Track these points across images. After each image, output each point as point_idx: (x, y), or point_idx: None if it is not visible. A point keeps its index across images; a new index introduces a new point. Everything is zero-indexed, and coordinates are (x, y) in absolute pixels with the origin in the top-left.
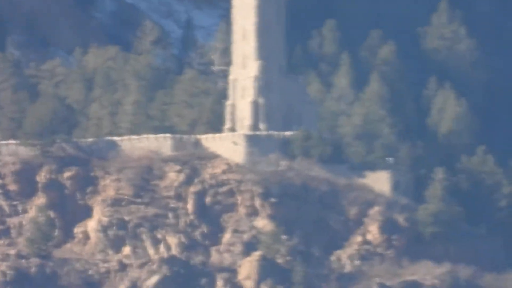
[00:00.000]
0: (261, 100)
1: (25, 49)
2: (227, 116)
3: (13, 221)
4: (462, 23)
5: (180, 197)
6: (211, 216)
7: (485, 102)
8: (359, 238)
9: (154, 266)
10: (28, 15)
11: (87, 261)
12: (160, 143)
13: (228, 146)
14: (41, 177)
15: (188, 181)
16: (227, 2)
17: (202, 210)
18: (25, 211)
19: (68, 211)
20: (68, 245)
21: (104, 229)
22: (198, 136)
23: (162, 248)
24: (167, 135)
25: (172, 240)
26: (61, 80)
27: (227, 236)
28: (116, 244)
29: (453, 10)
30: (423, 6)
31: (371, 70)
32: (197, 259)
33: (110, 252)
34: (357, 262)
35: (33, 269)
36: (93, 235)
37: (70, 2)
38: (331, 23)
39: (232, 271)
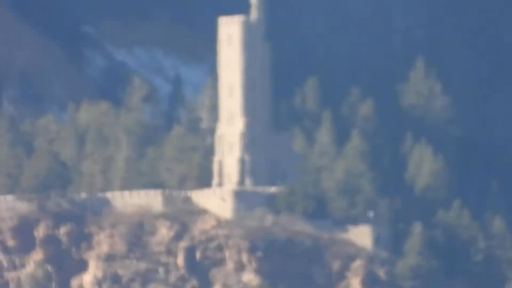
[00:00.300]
0: (247, 157)
1: (20, 105)
2: (215, 172)
3: (11, 275)
4: (437, 79)
5: (170, 252)
6: (200, 270)
7: (460, 157)
8: None
9: None
10: (22, 71)
11: None
12: (151, 199)
13: (216, 202)
14: (39, 232)
15: (178, 237)
16: (215, 57)
17: (192, 265)
18: (23, 265)
19: (65, 265)
20: None
21: (99, 283)
22: (188, 192)
23: None
24: (158, 190)
25: None
26: (55, 137)
27: None
28: None
29: (429, 67)
30: (401, 62)
31: (352, 126)
32: None
33: None
34: None
35: None
36: None
37: (62, 58)
38: (313, 80)
39: None
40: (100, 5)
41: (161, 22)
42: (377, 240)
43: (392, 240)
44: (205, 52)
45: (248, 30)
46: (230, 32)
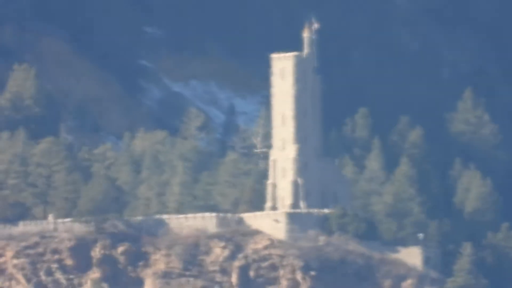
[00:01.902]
0: (300, 180)
1: (78, 134)
2: (268, 195)
3: None
4: (485, 109)
5: (225, 271)
6: (253, 287)
7: (507, 181)
8: None
9: None
10: (80, 103)
11: None
12: (206, 222)
13: (269, 223)
14: (96, 252)
15: (232, 256)
16: (267, 90)
17: (246, 283)
18: (80, 284)
19: (121, 283)
20: None
21: None
22: (241, 215)
23: None
24: (212, 214)
25: None
26: (112, 163)
27: None
28: None
29: (477, 97)
30: (449, 93)
31: (401, 153)
32: None
33: None
34: None
35: None
36: None
37: (119, 89)
38: (363, 110)
39: None
40: (157, 40)
41: (215, 56)
42: (427, 261)
43: (441, 261)
44: (257, 84)
45: (300, 64)
46: (283, 66)
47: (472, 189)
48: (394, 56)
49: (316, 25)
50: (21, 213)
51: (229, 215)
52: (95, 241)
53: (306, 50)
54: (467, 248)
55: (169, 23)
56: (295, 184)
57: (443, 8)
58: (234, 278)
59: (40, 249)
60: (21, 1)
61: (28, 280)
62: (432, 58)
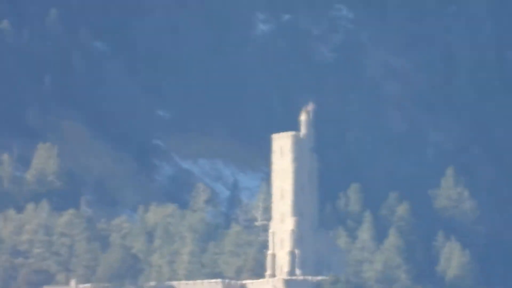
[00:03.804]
0: (297, 251)
1: (96, 207)
2: (268, 264)
3: None
4: (466, 186)
5: None
6: None
7: (485, 251)
8: None
9: None
10: (98, 179)
11: None
12: (212, 287)
13: None
14: None
15: None
16: (267, 167)
17: None
18: None
19: None
20: None
21: None
22: (244, 281)
23: None
24: (218, 280)
25: None
26: (127, 233)
27: None
28: None
29: (458, 175)
30: (433, 171)
31: (390, 225)
32: None
33: None
34: None
35: None
36: None
37: (133, 167)
38: (355, 186)
39: None
40: (168, 122)
41: (220, 136)
42: None
43: None
44: (258, 162)
45: (298, 144)
46: (282, 145)
47: (453, 258)
48: (384, 137)
49: (312, 108)
50: (45, 279)
51: (233, 281)
52: None
53: (303, 131)
54: None
55: (179, 107)
56: (292, 254)
57: (429, 95)
58: None
59: None
60: (45, 88)
61: None
62: (418, 139)
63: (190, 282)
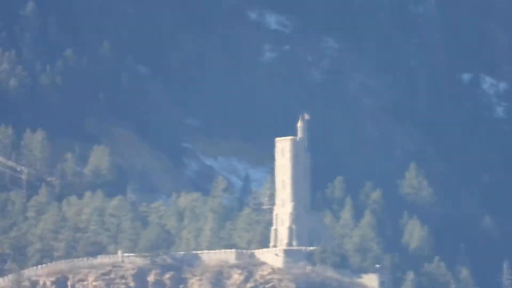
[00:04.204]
0: (294, 227)
1: (139, 194)
2: (272, 237)
3: None
4: (424, 177)
5: None
6: None
7: (439, 228)
8: None
9: None
10: (141, 173)
11: None
12: (227, 256)
13: (272, 257)
14: (151, 277)
15: (246, 280)
16: (272, 163)
17: None
18: None
19: None
20: None
21: None
22: (253, 251)
23: None
24: (232, 250)
25: None
26: (163, 214)
27: None
28: None
29: (418, 169)
30: (400, 166)
31: (365, 208)
32: None
33: None
34: None
35: None
36: None
37: (168, 163)
38: (340, 178)
39: None
40: (194, 128)
41: (235, 140)
42: (382, 284)
43: (392, 284)
44: (265, 160)
45: (295, 145)
46: (283, 146)
47: (414, 233)
48: (362, 140)
49: (307, 117)
50: (99, 250)
51: (244, 251)
52: (150, 270)
53: (299, 135)
54: (410, 275)
55: (203, 117)
56: (290, 230)
57: (396, 107)
58: None
59: (112, 275)
60: (99, 102)
61: None
62: (388, 142)
63: (211, 251)
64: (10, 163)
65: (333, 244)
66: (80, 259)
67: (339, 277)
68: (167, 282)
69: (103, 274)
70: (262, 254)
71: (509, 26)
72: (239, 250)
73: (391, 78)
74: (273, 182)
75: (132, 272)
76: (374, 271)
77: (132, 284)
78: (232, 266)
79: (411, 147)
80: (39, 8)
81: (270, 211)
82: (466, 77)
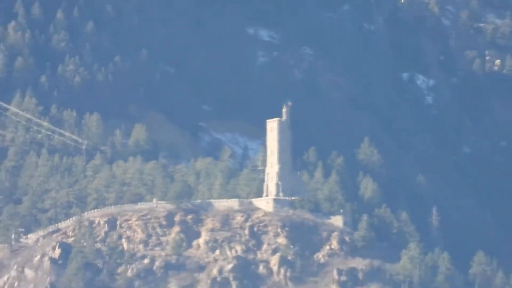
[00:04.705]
0: (280, 183)
1: (168, 159)
2: (264, 190)
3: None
4: (374, 147)
5: (242, 228)
6: (256, 235)
7: (385, 182)
8: (327, 246)
9: None
10: (169, 144)
11: None
12: (232, 204)
13: (264, 204)
14: (177, 218)
15: (246, 220)
16: (264, 138)
17: (253, 234)
18: (170, 233)
19: (189, 234)
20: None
21: (213, 237)
22: (251, 200)
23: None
24: (236, 199)
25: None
26: (185, 173)
27: (263, 248)
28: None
29: (370, 142)
30: (357, 140)
31: (332, 169)
32: None
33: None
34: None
35: None
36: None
37: (190, 138)
38: (313, 148)
39: None
40: (208, 112)
41: (238, 121)
42: (345, 223)
43: (352, 224)
44: (259, 135)
45: (281, 125)
46: (272, 126)
47: (368, 187)
48: (330, 122)
49: (290, 105)
50: (139, 199)
51: (244, 200)
52: (176, 213)
53: (284, 118)
54: (365, 217)
55: (216, 104)
56: (277, 185)
57: (356, 98)
58: (246, 231)
59: (148, 216)
60: (140, 93)
61: (142, 231)
62: (349, 123)
63: (221, 200)
64: (74, 137)
65: (309, 195)
66: (125, 205)
67: (313, 218)
68: (189, 221)
69: (142, 215)
70: (257, 202)
71: (437, 39)
72: (241, 199)
73: (353, 77)
74: (265, 151)
75: (163, 214)
76: (339, 214)
77: (164, 223)
78: (236, 211)
79: (365, 126)
80: (96, 26)
81: (263, 171)
82: (405, 75)
